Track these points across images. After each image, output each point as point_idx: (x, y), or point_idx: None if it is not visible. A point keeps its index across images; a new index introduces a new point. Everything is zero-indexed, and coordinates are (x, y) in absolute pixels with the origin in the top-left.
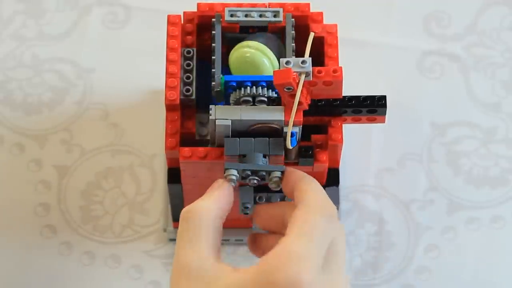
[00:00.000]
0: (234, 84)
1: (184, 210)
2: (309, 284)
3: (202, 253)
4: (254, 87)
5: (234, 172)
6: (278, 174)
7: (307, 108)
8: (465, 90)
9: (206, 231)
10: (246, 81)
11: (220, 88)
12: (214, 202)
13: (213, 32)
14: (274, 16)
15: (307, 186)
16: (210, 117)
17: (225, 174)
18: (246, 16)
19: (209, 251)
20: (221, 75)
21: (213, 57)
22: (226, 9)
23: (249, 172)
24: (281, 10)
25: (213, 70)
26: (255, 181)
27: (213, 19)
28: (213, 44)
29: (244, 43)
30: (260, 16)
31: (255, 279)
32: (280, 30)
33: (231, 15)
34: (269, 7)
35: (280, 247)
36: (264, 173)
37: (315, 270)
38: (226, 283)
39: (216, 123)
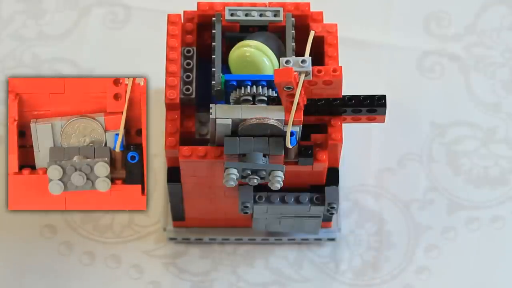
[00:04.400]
0: (234, 83)
1: None
2: None
3: None
4: (254, 86)
5: (234, 171)
6: (280, 174)
7: (302, 108)
8: (465, 90)
9: None
10: (246, 81)
11: (220, 87)
12: None
13: (213, 31)
14: (275, 15)
15: None
16: (211, 116)
17: (225, 173)
18: (246, 15)
19: None
20: (221, 74)
21: (213, 56)
22: (226, 8)
23: (249, 172)
24: (281, 9)
25: (213, 69)
26: (255, 181)
27: (213, 18)
28: (213, 43)
29: (244, 42)
30: (261, 15)
31: None
32: (280, 30)
33: (231, 14)
34: (269, 6)
35: None
36: (264, 173)
37: None
38: None
39: (217, 122)
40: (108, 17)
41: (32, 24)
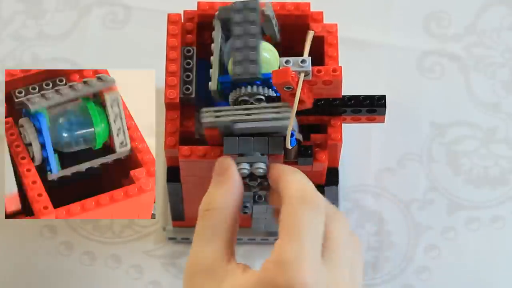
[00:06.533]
0: (228, 85)
1: (201, 207)
2: (312, 282)
3: (217, 253)
4: (255, 86)
5: (247, 166)
6: (262, 166)
7: (311, 106)
8: (465, 90)
9: (222, 230)
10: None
11: (216, 88)
12: (230, 195)
13: (213, 32)
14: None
15: (288, 178)
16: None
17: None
18: None
19: (223, 250)
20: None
21: (211, 57)
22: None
23: (246, 170)
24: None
25: (210, 70)
26: (255, 182)
27: (214, 20)
28: (212, 44)
29: None
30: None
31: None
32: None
33: None
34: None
35: (276, 254)
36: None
37: (313, 267)
38: (232, 284)
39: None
40: (108, 17)
41: (32, 24)
